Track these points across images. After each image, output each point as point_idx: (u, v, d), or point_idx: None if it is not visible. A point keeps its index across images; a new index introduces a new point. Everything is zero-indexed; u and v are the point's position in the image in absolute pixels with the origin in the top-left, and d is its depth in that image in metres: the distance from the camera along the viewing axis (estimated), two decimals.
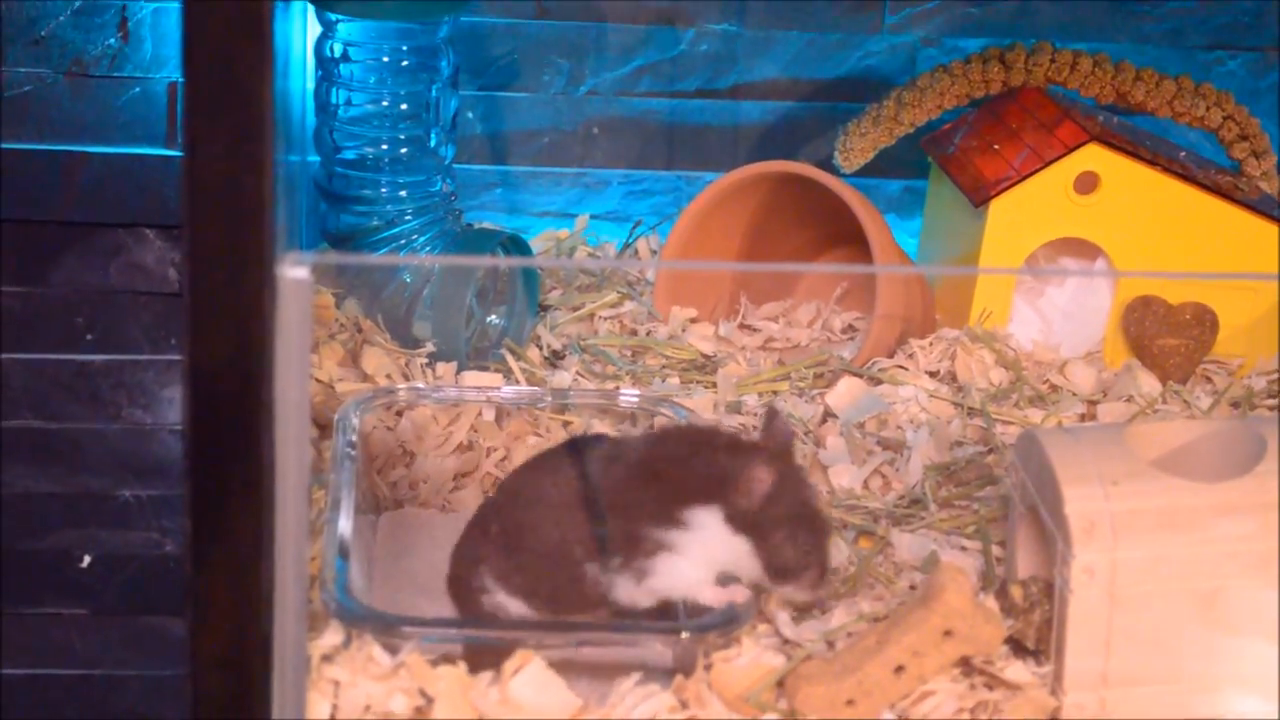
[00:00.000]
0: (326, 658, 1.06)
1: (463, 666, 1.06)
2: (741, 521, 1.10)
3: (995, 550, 1.22)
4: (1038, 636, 1.11)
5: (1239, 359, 1.53)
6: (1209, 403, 1.45)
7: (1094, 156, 1.49)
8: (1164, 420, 1.17)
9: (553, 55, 1.70)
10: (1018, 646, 1.12)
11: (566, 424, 1.38)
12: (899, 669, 1.07)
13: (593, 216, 1.74)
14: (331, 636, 1.07)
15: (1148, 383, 1.47)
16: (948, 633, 1.08)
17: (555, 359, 1.51)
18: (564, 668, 1.07)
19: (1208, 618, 1.08)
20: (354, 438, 1.26)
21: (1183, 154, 1.60)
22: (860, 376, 1.45)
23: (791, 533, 1.10)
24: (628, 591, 1.12)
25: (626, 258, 1.71)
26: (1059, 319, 1.54)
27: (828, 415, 1.42)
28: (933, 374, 1.48)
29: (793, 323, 1.60)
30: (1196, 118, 1.62)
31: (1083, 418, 1.43)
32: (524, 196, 1.74)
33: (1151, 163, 1.50)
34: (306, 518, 0.94)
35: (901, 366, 1.47)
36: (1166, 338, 1.49)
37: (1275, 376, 1.50)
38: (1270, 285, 1.53)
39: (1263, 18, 1.74)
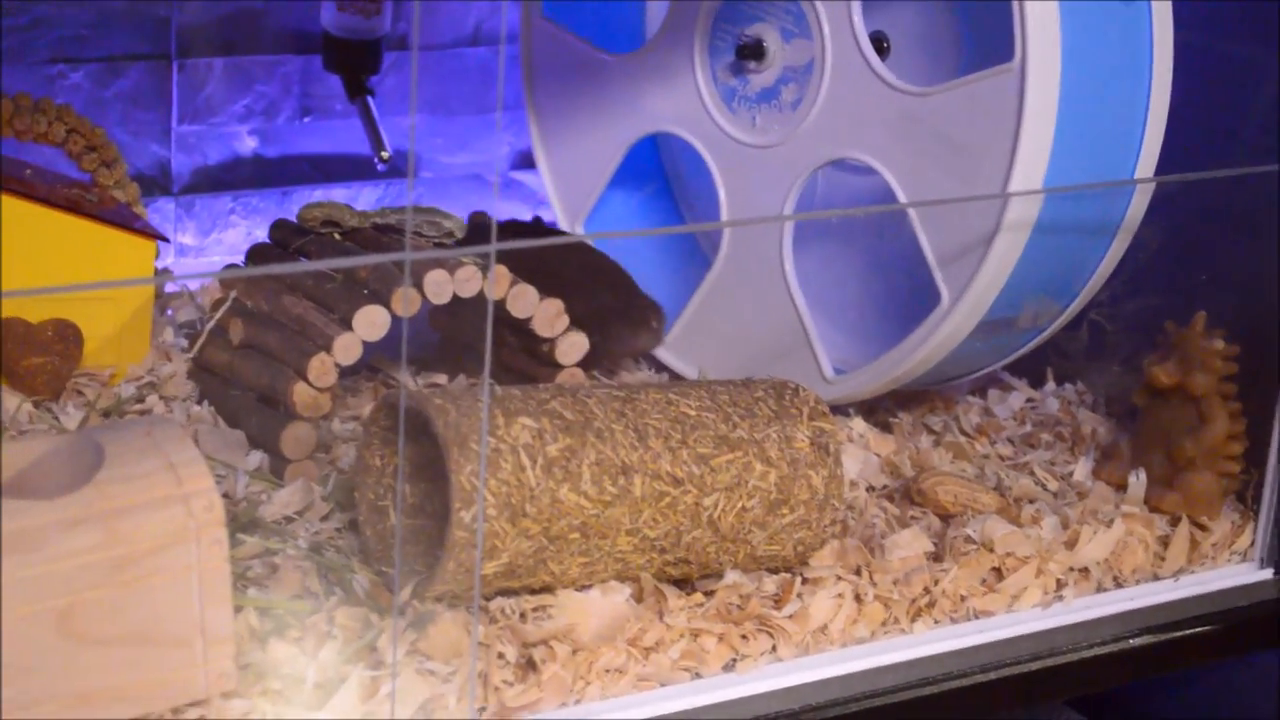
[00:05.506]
0: None
1: None
2: None
3: None
4: None
5: (111, 368, 1.54)
6: (80, 416, 1.45)
7: None
8: (11, 442, 1.15)
9: None
10: None
11: None
12: None
13: None
14: None
15: (14, 404, 1.45)
16: None
17: None
18: None
19: (64, 632, 1.07)
20: None
21: (29, 171, 1.58)
22: None
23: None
24: None
25: None
26: None
27: None
28: None
29: None
30: (40, 134, 1.61)
31: None
32: None
33: None
34: None
35: None
36: (31, 357, 1.47)
37: (144, 381, 1.53)
38: (131, 293, 1.54)
39: (101, 29, 1.75)
